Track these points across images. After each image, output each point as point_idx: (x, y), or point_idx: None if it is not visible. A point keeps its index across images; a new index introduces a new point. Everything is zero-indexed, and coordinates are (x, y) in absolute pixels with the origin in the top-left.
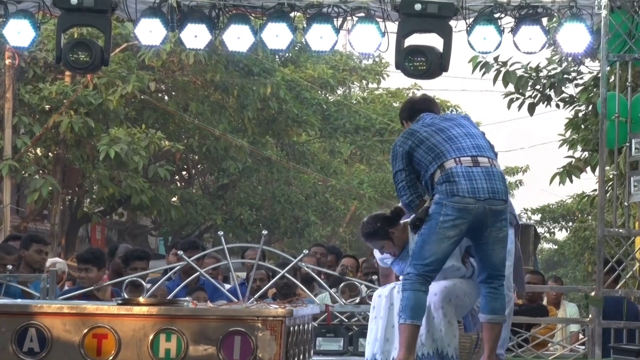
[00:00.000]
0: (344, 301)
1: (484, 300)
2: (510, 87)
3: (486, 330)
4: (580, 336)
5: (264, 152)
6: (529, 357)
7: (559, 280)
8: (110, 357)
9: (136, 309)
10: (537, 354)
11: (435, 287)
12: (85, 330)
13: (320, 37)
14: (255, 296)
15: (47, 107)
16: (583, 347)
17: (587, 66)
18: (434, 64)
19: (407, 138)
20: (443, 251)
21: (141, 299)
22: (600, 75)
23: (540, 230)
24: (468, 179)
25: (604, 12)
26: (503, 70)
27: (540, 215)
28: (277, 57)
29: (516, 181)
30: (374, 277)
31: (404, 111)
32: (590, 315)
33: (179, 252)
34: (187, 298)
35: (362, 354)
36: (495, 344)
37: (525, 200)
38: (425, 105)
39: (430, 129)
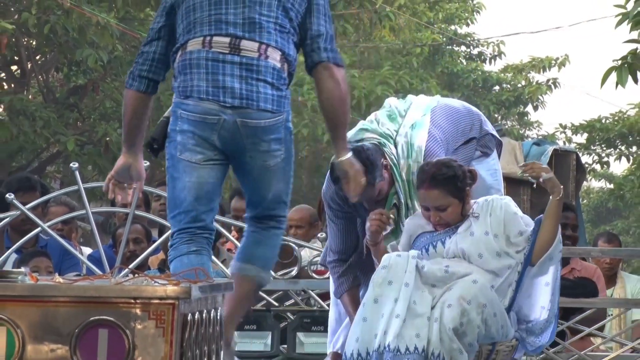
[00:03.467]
0: (272, 273)
1: (244, 241)
2: None
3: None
4: None
5: (143, 35)
6: (568, 359)
7: (614, 240)
8: None
9: None
10: (580, 355)
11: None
12: None
13: None
14: (131, 265)
15: None
16: None
17: None
18: None
19: None
20: (199, 185)
21: None
22: None
23: (585, 159)
24: (212, 72)
25: None
26: None
27: (586, 135)
28: None
29: (548, 81)
30: (321, 234)
31: None
32: None
33: (7, 195)
34: (21, 269)
35: (301, 357)
36: (239, 308)
37: (562, 110)
38: None
39: None
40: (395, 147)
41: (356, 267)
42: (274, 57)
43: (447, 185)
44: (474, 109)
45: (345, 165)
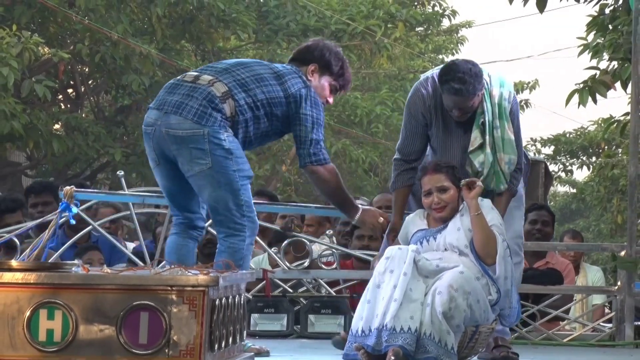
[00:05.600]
0: (287, 264)
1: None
2: None
3: None
4: (606, 310)
5: (179, 63)
6: (537, 338)
7: (577, 236)
8: None
9: (7, 276)
10: (548, 334)
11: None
12: None
13: None
14: None
15: None
16: (609, 324)
17: None
18: None
19: None
20: (164, 187)
21: (13, 263)
22: None
23: (552, 167)
24: (167, 90)
25: None
26: None
27: (553, 147)
28: None
29: (521, 102)
30: (329, 232)
31: None
32: (619, 283)
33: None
34: (75, 261)
35: (312, 336)
36: None
37: (533, 126)
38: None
39: None
40: (489, 77)
41: (415, 171)
42: (215, 87)
43: (448, 172)
44: None
45: (364, 215)
